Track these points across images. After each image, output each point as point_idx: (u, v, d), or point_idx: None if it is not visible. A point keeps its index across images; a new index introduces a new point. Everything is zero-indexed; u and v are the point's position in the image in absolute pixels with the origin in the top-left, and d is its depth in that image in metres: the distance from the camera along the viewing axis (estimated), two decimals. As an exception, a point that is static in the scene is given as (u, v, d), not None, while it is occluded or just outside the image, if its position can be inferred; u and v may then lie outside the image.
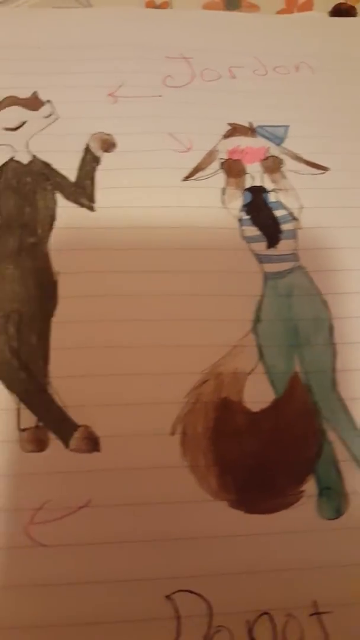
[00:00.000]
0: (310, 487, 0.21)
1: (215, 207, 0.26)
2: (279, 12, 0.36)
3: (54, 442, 0.20)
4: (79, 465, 0.20)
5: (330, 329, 0.24)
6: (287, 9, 0.37)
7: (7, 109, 0.27)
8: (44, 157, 0.26)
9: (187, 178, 0.26)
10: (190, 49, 0.30)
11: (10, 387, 0.21)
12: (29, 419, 0.20)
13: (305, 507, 0.21)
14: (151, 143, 0.27)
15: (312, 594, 0.20)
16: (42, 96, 0.27)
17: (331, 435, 0.22)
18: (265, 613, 0.19)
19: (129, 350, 0.22)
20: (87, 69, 0.28)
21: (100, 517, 0.19)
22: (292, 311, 0.24)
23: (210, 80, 0.30)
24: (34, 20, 0.30)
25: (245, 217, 0.26)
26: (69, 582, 0.19)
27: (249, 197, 0.27)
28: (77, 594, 0.19)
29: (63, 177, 0.25)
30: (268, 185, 0.27)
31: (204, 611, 0.19)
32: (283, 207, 0.27)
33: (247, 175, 0.27)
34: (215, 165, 0.27)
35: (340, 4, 0.36)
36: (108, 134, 0.27)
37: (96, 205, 0.25)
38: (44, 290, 0.23)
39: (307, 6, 0.37)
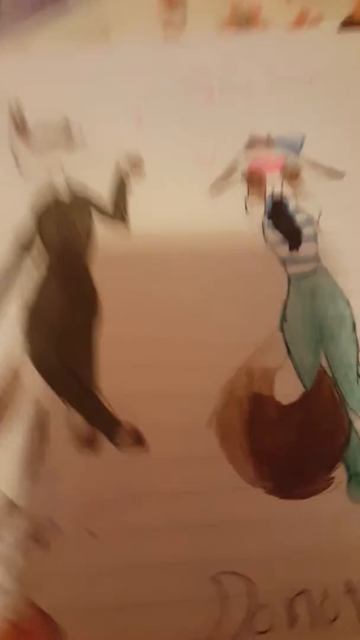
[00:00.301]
0: (340, 473, 0.22)
1: (240, 214, 0.28)
2: (290, 26, 0.38)
3: (104, 440, 0.22)
4: (128, 459, 0.22)
5: (353, 325, 0.25)
6: (298, 23, 0.39)
7: (41, 134, 0.29)
8: (78, 179, 0.28)
9: (212, 189, 0.28)
10: (209, 67, 0.32)
11: (60, 392, 0.23)
12: (80, 420, 0.22)
13: (336, 492, 0.22)
14: (177, 158, 0.29)
15: (346, 573, 0.21)
16: (73, 121, 0.29)
17: (358, 425, 0.23)
18: (303, 591, 0.20)
19: (169, 348, 0.24)
20: (113, 93, 0.30)
21: (149, 506, 0.21)
22: (316, 309, 0.26)
23: (230, 95, 0.31)
24: (64, 51, 0.32)
25: (268, 222, 0.28)
26: (122, 567, 0.20)
27: (270, 203, 0.28)
28: (130, 578, 0.20)
29: (98, 198, 0.27)
30: (288, 191, 0.29)
31: (246, 591, 0.20)
32: (303, 212, 0.28)
33: (268, 183, 0.29)
34: (238, 175, 0.29)
35: (349, 17, 0.38)
36: (136, 154, 0.28)
37: (130, 220, 0.27)
38: (86, 302, 0.24)
39: (317, 20, 0.39)
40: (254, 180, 0.29)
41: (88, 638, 0.19)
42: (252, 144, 0.30)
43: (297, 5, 0.39)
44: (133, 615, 0.20)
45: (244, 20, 0.38)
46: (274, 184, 0.29)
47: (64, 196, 0.27)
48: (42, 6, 0.38)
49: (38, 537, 0.20)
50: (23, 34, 0.38)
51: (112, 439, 0.22)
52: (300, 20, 0.39)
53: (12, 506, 0.20)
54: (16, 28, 0.38)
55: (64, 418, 0.22)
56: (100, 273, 0.25)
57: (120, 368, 0.23)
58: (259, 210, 0.28)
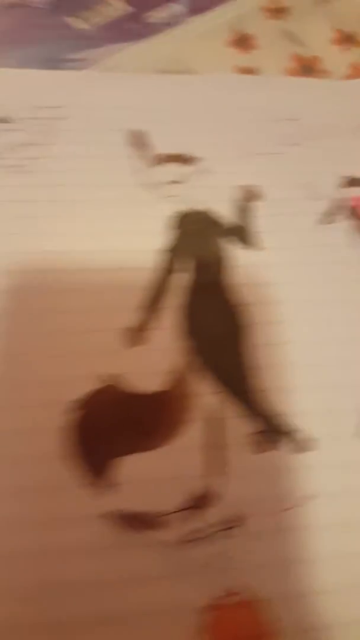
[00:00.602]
0: None
1: (346, 244, 0.31)
2: (347, 77, 0.43)
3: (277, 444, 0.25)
4: (299, 462, 0.24)
5: None
6: (354, 74, 0.44)
7: (167, 164, 0.32)
8: (205, 206, 0.31)
9: (321, 222, 0.32)
10: (295, 112, 0.36)
11: (230, 398, 0.25)
12: (256, 425, 0.25)
13: None
14: (285, 193, 0.32)
15: None
16: (195, 154, 0.32)
17: None
18: None
19: (304, 367, 0.27)
20: (228, 130, 0.34)
21: (322, 505, 0.24)
22: None
23: (316, 138, 0.35)
24: (187, 86, 0.35)
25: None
26: (304, 557, 0.23)
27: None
28: (311, 567, 0.23)
29: (229, 224, 0.30)
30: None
31: None
32: None
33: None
34: (342, 210, 0.32)
35: None
36: (255, 186, 0.32)
37: (261, 245, 0.30)
38: (232, 318, 0.27)
39: (366, 72, 0.44)
40: (356, 214, 0.32)
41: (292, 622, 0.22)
42: (348, 183, 0.34)
43: (350, 58, 0.44)
44: (322, 601, 0.22)
45: (306, 69, 0.43)
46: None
47: (200, 222, 0.30)
48: (125, 39, 0.41)
49: (235, 525, 0.22)
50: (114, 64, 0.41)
51: (283, 443, 0.25)
52: (356, 70, 0.44)
53: (211, 496, 0.23)
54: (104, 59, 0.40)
55: (238, 423, 0.25)
56: (243, 294, 0.28)
57: (271, 384, 0.26)
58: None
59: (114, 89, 0.36)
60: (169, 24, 0.43)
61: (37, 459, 0.23)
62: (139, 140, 0.33)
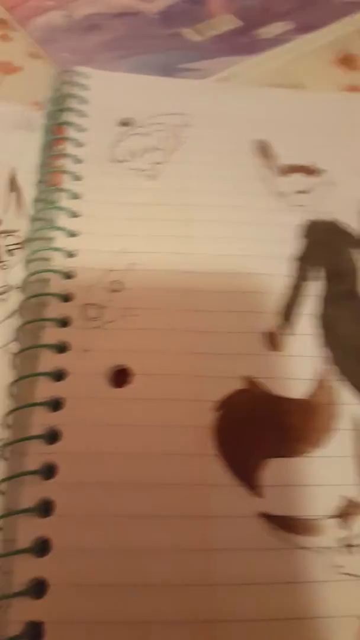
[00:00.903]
0: None
1: None
2: None
3: None
4: None
5: None
6: None
7: (293, 175, 0.32)
8: (332, 217, 0.31)
9: None
10: None
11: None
12: None
13: None
14: None
15: None
16: (318, 166, 0.33)
17: None
18: None
19: None
20: (348, 145, 0.34)
21: None
22: None
23: None
24: (305, 103, 0.36)
25: None
26: None
27: None
28: None
29: (358, 235, 0.30)
30: None
31: None
32: None
33: None
34: None
35: None
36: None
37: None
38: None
39: None
40: None
41: None
42: None
43: None
44: None
45: None
46: None
47: (330, 232, 0.30)
48: (236, 53, 0.42)
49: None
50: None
51: None
52: None
53: (357, 506, 0.23)
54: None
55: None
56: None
57: None
58: None
59: (236, 100, 0.36)
60: (277, 40, 0.44)
61: (187, 455, 0.23)
62: (265, 150, 0.33)
